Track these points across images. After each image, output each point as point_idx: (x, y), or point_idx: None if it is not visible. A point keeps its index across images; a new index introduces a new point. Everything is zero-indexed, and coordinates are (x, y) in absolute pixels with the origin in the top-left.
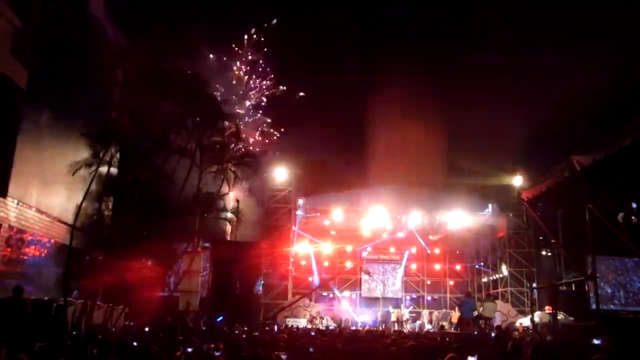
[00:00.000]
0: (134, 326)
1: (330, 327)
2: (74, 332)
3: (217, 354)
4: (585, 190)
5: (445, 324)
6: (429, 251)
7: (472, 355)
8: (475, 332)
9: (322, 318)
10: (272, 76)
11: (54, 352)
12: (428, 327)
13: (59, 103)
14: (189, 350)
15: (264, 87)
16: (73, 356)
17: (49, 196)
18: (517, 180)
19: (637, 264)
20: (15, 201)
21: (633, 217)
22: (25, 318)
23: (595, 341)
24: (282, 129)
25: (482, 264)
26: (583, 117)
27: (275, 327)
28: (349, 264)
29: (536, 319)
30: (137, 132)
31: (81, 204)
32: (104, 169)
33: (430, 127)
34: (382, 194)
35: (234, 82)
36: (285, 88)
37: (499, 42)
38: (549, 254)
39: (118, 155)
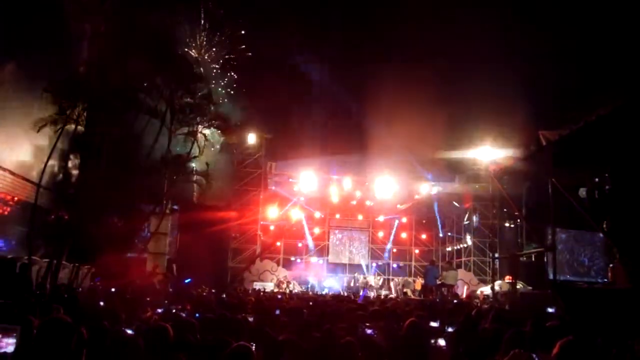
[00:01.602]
0: (100, 286)
1: (296, 292)
2: (39, 291)
3: (183, 315)
4: (549, 164)
5: (408, 290)
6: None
7: (435, 321)
8: (438, 299)
9: (289, 282)
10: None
11: (19, 309)
12: (385, 292)
13: (23, 57)
14: (159, 310)
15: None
16: (38, 314)
17: (13, 153)
18: (484, 153)
19: (594, 237)
20: None
21: (596, 192)
22: None
23: (550, 309)
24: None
25: (448, 233)
26: (555, 92)
27: (241, 291)
28: (317, 230)
29: (496, 288)
30: (105, 89)
31: (47, 161)
32: (70, 127)
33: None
34: (352, 162)
35: (203, 39)
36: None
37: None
38: (512, 225)
39: (85, 113)
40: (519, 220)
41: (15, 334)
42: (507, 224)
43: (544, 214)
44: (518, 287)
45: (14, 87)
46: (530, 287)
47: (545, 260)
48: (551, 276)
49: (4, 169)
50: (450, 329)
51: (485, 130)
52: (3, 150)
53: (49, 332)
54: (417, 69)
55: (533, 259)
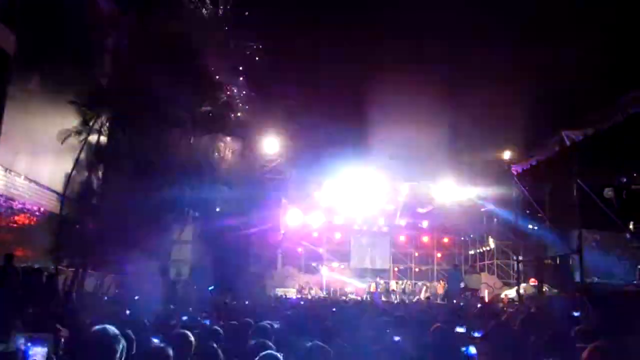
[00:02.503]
0: (124, 295)
1: (318, 297)
2: (65, 301)
3: (207, 322)
4: (574, 165)
5: (429, 294)
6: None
7: (461, 326)
8: (462, 304)
9: (310, 288)
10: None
11: (47, 318)
12: (408, 297)
13: (48, 69)
14: (184, 318)
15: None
16: (66, 324)
17: (38, 164)
18: (507, 155)
19: (622, 239)
20: (4, 169)
21: (624, 192)
22: (16, 285)
23: (575, 313)
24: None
25: (470, 236)
26: (576, 92)
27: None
28: (338, 236)
29: (521, 291)
30: (127, 100)
31: (71, 172)
32: (94, 138)
33: (421, 101)
34: (371, 167)
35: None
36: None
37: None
38: (535, 227)
39: (108, 123)
40: (542, 223)
41: (46, 344)
42: (530, 226)
43: (568, 215)
44: (544, 290)
45: (39, 99)
46: (555, 290)
47: (571, 262)
48: (578, 279)
49: (30, 180)
50: (476, 334)
51: (506, 131)
52: (29, 161)
53: (97, 342)
54: (436, 72)
55: (558, 262)
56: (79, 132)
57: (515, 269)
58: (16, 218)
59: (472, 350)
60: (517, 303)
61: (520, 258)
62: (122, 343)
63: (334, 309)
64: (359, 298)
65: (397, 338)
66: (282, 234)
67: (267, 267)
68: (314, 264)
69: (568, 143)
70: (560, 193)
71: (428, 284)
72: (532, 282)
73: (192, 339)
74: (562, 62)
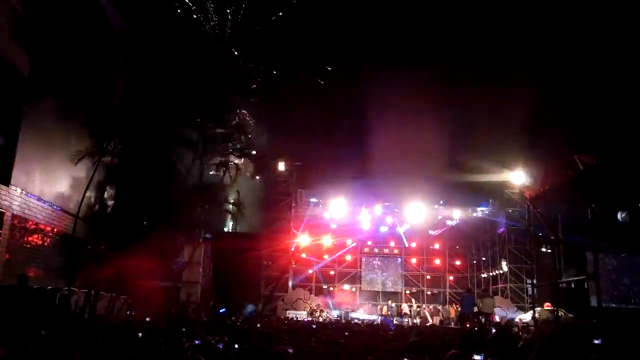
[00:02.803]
0: (135, 317)
1: (330, 320)
2: (78, 322)
3: (219, 345)
4: (588, 188)
5: (437, 318)
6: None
7: (478, 354)
8: (476, 328)
9: (322, 311)
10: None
11: (59, 340)
12: (419, 320)
13: (61, 90)
14: (196, 342)
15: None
16: (78, 345)
17: (52, 185)
18: (518, 177)
19: (636, 261)
20: (19, 189)
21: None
22: (29, 306)
23: (596, 341)
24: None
25: (482, 259)
26: (586, 115)
27: (275, 320)
28: (349, 257)
29: (536, 316)
30: (139, 121)
31: (84, 193)
32: (107, 159)
33: (431, 122)
34: (383, 188)
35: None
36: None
37: (499, 34)
38: (549, 250)
39: (120, 145)
40: (556, 246)
41: None
42: (543, 249)
43: (582, 238)
44: (559, 315)
45: (53, 120)
46: (571, 315)
47: (586, 286)
48: (595, 303)
49: (44, 201)
50: None
51: (518, 154)
52: (43, 183)
53: None
54: (448, 92)
55: (573, 285)
56: (92, 154)
57: (529, 292)
58: (30, 238)
59: None
60: (532, 328)
61: (535, 282)
62: None
63: (346, 333)
64: (371, 321)
65: None
66: (292, 256)
67: (278, 289)
68: (324, 286)
69: (581, 167)
70: (574, 217)
71: (440, 308)
72: (547, 306)
73: None
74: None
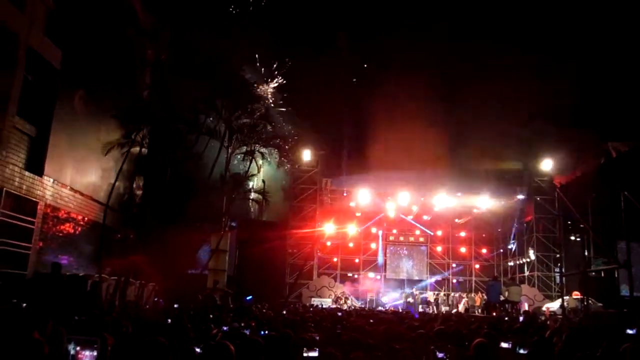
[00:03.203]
0: (163, 303)
1: (355, 308)
2: (108, 308)
3: (246, 332)
4: (621, 176)
5: (461, 306)
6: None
7: (505, 342)
8: (505, 317)
9: (346, 298)
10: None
11: (91, 326)
12: (445, 308)
13: (92, 83)
14: (225, 328)
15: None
16: (110, 332)
17: (83, 175)
18: (545, 164)
19: None
20: (51, 180)
21: None
22: (62, 293)
23: (630, 331)
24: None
25: (509, 247)
26: (618, 101)
27: (300, 307)
28: (373, 246)
29: (565, 304)
30: (167, 113)
31: (114, 183)
32: (135, 149)
33: (457, 109)
34: (408, 176)
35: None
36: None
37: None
38: (578, 239)
39: (149, 136)
40: (585, 234)
41: (95, 346)
42: (572, 238)
43: (613, 227)
44: (588, 304)
45: (83, 113)
46: (600, 304)
47: (617, 275)
48: (626, 292)
49: (75, 191)
50: (522, 351)
51: (549, 142)
52: (74, 173)
53: (149, 352)
54: (475, 79)
55: (602, 274)
56: (121, 145)
57: (557, 281)
58: (62, 227)
59: None
60: (559, 316)
61: (563, 270)
62: (170, 353)
63: (371, 320)
64: (395, 309)
65: (440, 354)
66: (317, 244)
67: (303, 277)
68: (349, 274)
69: (614, 155)
70: (605, 205)
71: (465, 296)
72: (576, 295)
73: (232, 349)
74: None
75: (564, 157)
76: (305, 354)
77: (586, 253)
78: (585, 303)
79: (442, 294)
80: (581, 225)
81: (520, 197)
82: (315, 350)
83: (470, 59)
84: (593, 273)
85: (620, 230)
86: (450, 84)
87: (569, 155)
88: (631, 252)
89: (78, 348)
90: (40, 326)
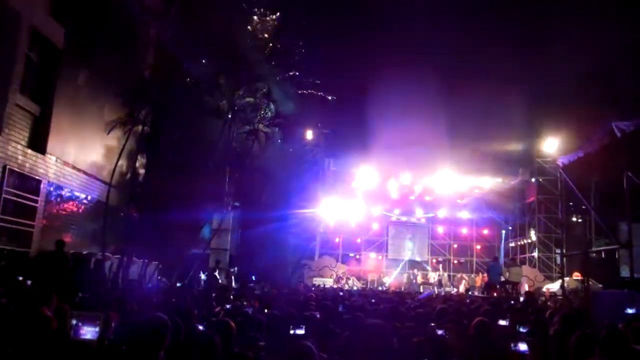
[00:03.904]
0: (166, 282)
1: (356, 288)
2: (113, 286)
3: (249, 310)
4: (624, 156)
5: (461, 287)
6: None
7: (504, 319)
8: (503, 296)
9: (348, 278)
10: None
11: (95, 303)
12: (445, 289)
13: (95, 62)
14: (227, 307)
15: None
16: (114, 309)
17: (86, 154)
18: (548, 145)
19: None
20: (54, 158)
21: None
22: (66, 270)
23: (630, 310)
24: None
25: (510, 228)
26: (622, 80)
27: (302, 287)
28: (375, 226)
29: (565, 285)
30: (170, 92)
31: (117, 162)
32: (138, 128)
33: (457, 88)
34: (410, 156)
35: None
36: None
37: None
38: (579, 220)
39: (151, 114)
40: (587, 215)
41: (98, 322)
42: (573, 219)
43: (615, 207)
44: (589, 284)
45: (87, 92)
46: (600, 285)
47: (617, 256)
48: (626, 274)
49: (78, 169)
50: (522, 329)
51: (551, 122)
52: (77, 151)
53: (150, 329)
54: (478, 59)
55: (603, 255)
56: (124, 123)
57: (558, 262)
58: (65, 205)
59: (523, 346)
60: (560, 297)
61: (564, 251)
62: (171, 331)
63: (372, 300)
64: (397, 289)
65: (440, 331)
66: (319, 224)
67: (305, 257)
68: (351, 254)
69: (619, 134)
70: (608, 185)
71: (466, 276)
72: (576, 276)
73: (234, 326)
74: (614, 48)
75: (567, 138)
76: (291, 331)
77: (587, 234)
78: (586, 284)
79: (445, 275)
80: (583, 207)
81: (522, 177)
82: (301, 328)
83: (474, 37)
84: (594, 254)
85: (623, 211)
86: (454, 64)
87: (572, 135)
88: (633, 233)
89: (81, 323)
90: (44, 302)
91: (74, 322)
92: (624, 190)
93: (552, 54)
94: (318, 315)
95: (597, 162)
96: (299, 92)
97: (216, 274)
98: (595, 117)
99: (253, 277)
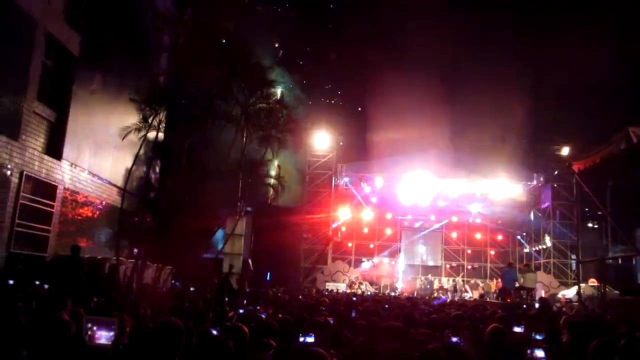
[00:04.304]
0: (179, 286)
1: (369, 293)
2: (127, 291)
3: (262, 315)
4: None
5: (475, 293)
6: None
7: (519, 326)
8: (519, 301)
9: (361, 283)
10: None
11: (110, 308)
12: (459, 295)
13: (109, 68)
14: (240, 311)
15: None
16: (128, 313)
17: (101, 159)
18: (564, 150)
19: None
20: (70, 164)
21: None
22: (82, 275)
23: None
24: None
25: (524, 234)
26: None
27: (315, 292)
28: (388, 231)
29: (580, 292)
30: (183, 97)
31: (131, 167)
32: (152, 134)
33: (473, 93)
34: (423, 161)
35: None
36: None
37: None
38: (595, 226)
39: (165, 120)
40: (603, 221)
41: (113, 327)
42: (589, 225)
43: (632, 214)
44: (605, 291)
45: (101, 97)
46: (617, 292)
47: (634, 262)
48: None
49: (93, 175)
50: (538, 337)
51: (566, 127)
52: (92, 157)
53: (163, 333)
54: (493, 63)
55: (620, 262)
56: (138, 129)
57: (573, 268)
58: (80, 211)
59: (540, 353)
60: (576, 303)
61: (580, 257)
62: (185, 335)
63: (386, 306)
64: (412, 295)
65: (455, 339)
66: (332, 229)
67: (318, 262)
68: (364, 259)
69: (635, 140)
70: (624, 191)
71: (480, 282)
72: (592, 282)
73: (247, 331)
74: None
75: (582, 143)
76: (301, 339)
77: (604, 240)
78: (602, 291)
79: (460, 280)
80: (599, 212)
81: (537, 183)
82: (311, 336)
83: (486, 38)
84: (610, 260)
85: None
86: (470, 70)
87: (587, 140)
88: None
89: (95, 328)
90: (61, 307)
91: (89, 326)
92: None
93: (567, 58)
94: (332, 321)
95: (612, 168)
96: (311, 98)
97: (230, 279)
98: (612, 122)
99: (267, 278)
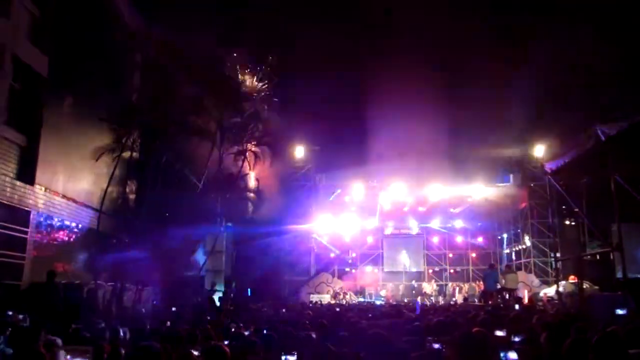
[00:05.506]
0: (161, 307)
1: (354, 302)
2: (106, 314)
3: (246, 333)
4: (610, 160)
5: (459, 296)
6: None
7: (500, 329)
8: (500, 304)
9: (345, 294)
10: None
11: (88, 334)
12: (442, 299)
13: (80, 89)
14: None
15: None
16: (107, 339)
17: (75, 182)
18: (538, 150)
19: None
20: (43, 188)
21: None
22: (58, 301)
23: (619, 311)
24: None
25: (504, 235)
26: (605, 84)
27: (299, 305)
28: (370, 239)
29: (560, 289)
30: (157, 115)
31: (106, 189)
32: (126, 154)
33: (446, 98)
34: (401, 168)
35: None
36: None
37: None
38: (573, 223)
39: (139, 139)
40: (579, 219)
41: (88, 355)
42: (567, 222)
43: (606, 210)
44: (584, 287)
45: (73, 118)
46: (596, 287)
47: (612, 257)
48: (620, 275)
49: (68, 198)
50: (517, 339)
51: (538, 127)
52: (66, 180)
53: (141, 358)
54: (464, 67)
55: (598, 257)
56: (112, 150)
57: (553, 266)
58: (56, 235)
59: (513, 355)
60: (557, 301)
61: (559, 255)
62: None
63: (369, 315)
64: (396, 302)
65: (436, 346)
66: (313, 240)
67: (301, 274)
68: (347, 269)
69: (603, 138)
70: (597, 189)
71: (463, 285)
72: (572, 279)
73: (227, 350)
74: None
75: (554, 143)
76: (283, 357)
77: (581, 237)
78: (580, 287)
79: (446, 285)
80: (576, 210)
81: (513, 184)
82: (293, 354)
83: (462, 46)
84: (588, 257)
85: (613, 213)
86: (444, 74)
87: (559, 140)
88: (625, 234)
89: (70, 357)
90: (33, 338)
91: (66, 356)
92: (612, 192)
93: (539, 62)
94: (314, 336)
95: (584, 166)
96: (286, 109)
97: (213, 296)
98: (580, 120)
99: (249, 292)
